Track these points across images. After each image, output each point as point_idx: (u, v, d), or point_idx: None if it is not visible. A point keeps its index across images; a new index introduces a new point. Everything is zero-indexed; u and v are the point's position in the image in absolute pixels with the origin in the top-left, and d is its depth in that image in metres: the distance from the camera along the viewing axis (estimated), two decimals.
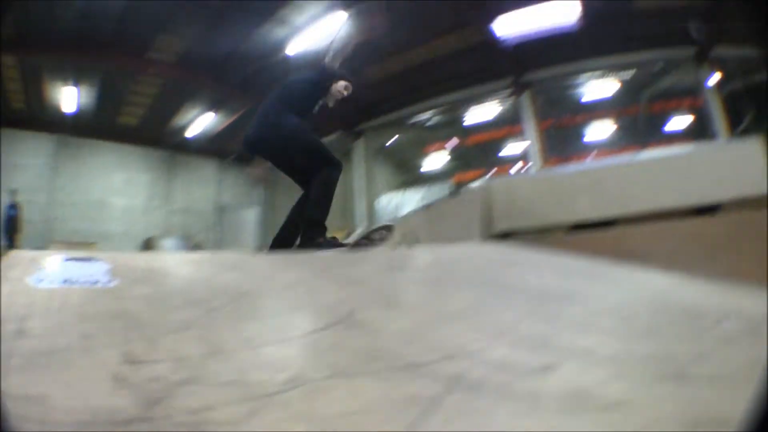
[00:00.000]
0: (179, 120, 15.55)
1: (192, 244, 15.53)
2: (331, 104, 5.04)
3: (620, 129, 23.06)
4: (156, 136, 15.37)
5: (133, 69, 13.03)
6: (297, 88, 4.88)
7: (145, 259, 4.85)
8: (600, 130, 22.86)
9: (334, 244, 4.82)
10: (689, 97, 20.50)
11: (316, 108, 5.00)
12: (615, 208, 3.51)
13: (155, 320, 1.83)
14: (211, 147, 17.34)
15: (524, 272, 2.63)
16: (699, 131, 24.46)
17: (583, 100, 19.25)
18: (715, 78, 16.52)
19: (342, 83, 4.95)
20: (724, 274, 2.66)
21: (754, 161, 3.76)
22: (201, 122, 16.26)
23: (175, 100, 14.44)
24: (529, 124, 15.90)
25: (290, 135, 4.55)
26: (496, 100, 17.09)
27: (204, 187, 17.82)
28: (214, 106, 15.59)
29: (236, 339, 1.63)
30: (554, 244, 3.42)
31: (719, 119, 15.80)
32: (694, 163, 3.88)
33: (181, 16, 11.71)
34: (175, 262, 4.00)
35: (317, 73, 5.22)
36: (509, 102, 16.38)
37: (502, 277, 2.56)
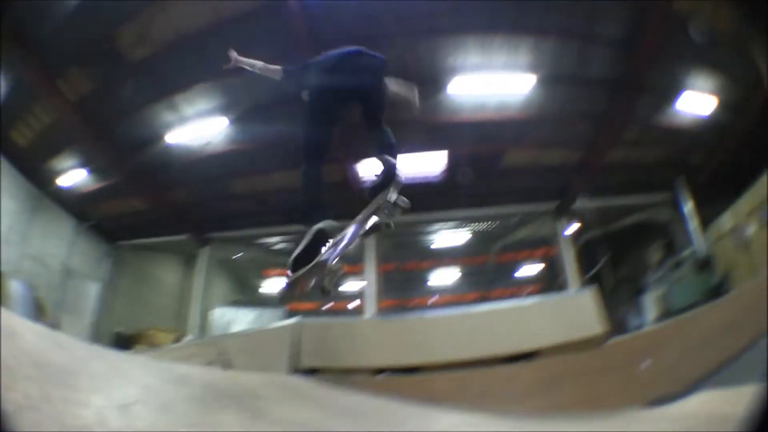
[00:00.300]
0: (58, 163, 14.50)
1: (38, 304, 14.09)
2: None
3: (467, 275, 24.20)
4: (33, 168, 14.07)
5: (40, 87, 11.62)
6: None
7: None
8: (445, 276, 23.84)
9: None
10: (543, 247, 22.38)
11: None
12: (420, 357, 3.90)
13: None
14: (75, 204, 16.20)
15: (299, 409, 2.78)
16: (550, 278, 26.99)
17: (433, 246, 19.97)
18: (573, 228, 18.53)
19: None
20: (541, 411, 3.18)
21: (584, 310, 4.42)
22: (74, 175, 15.31)
23: (60, 140, 13.46)
24: (370, 265, 16.33)
25: None
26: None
27: (58, 242, 16.42)
28: (89, 164, 14.83)
29: None
30: (360, 384, 3.69)
31: (571, 266, 17.38)
32: (518, 314, 4.46)
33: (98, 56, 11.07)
34: None
35: None
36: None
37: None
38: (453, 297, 26.07)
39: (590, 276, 20.80)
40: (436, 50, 11.36)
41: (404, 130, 12.81)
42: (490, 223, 18.24)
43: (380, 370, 4.03)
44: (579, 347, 3.90)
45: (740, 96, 15.56)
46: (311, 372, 4.35)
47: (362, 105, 4.25)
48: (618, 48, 11.91)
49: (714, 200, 22.05)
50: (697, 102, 15.06)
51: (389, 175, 4.12)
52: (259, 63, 4.71)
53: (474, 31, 10.96)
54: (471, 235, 19.83)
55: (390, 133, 4.29)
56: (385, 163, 4.19)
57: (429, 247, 20.27)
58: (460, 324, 4.67)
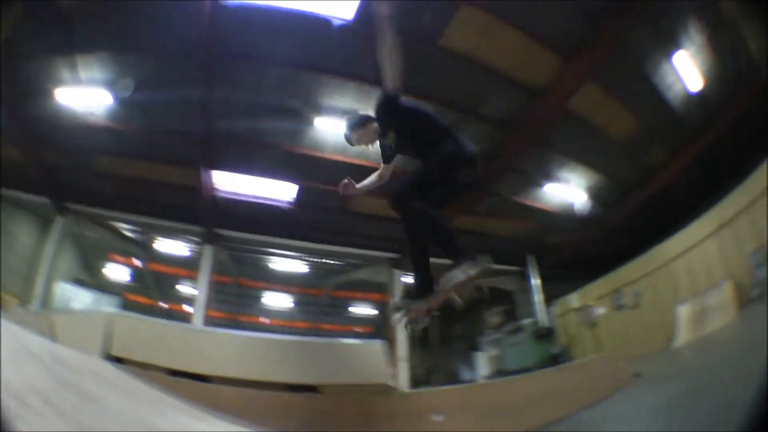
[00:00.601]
0: None
1: None
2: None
3: (302, 304, 24.32)
4: None
5: None
6: None
7: None
8: (279, 300, 23.81)
9: None
10: (379, 292, 22.71)
11: None
12: (210, 368, 4.06)
13: None
14: None
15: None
16: (382, 323, 27.40)
17: (272, 268, 19.80)
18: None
19: None
20: None
21: (372, 358, 4.57)
22: None
23: None
24: (204, 274, 15.91)
25: None
26: (187, 241, 17.05)
27: None
28: None
29: None
30: (157, 380, 3.68)
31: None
32: (311, 349, 4.66)
33: None
34: None
35: None
36: (197, 246, 16.47)
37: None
38: (284, 322, 26.17)
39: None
40: (314, 83, 11.32)
41: (264, 153, 12.56)
42: (329, 259, 18.27)
43: (176, 372, 3.86)
44: (367, 390, 4.18)
45: (607, 195, 17.40)
46: (118, 360, 4.52)
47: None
48: (496, 126, 12.45)
49: (559, 279, 24.27)
50: (564, 190, 16.09)
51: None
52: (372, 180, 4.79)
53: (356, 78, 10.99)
54: (310, 267, 19.89)
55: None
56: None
57: (268, 268, 20.05)
58: (257, 346, 4.91)
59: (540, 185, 15.50)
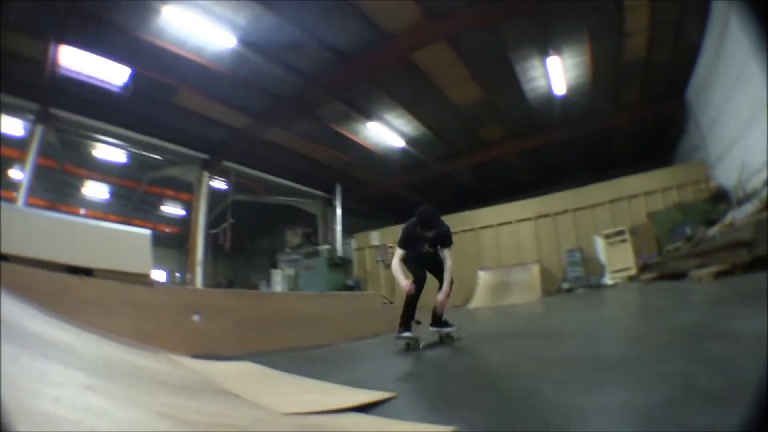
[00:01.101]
0: None
1: None
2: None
3: (118, 196, 23.08)
4: None
5: None
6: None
7: None
8: (98, 190, 22.40)
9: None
10: (187, 192, 22.15)
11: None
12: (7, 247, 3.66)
13: None
14: None
15: None
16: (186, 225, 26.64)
17: (95, 156, 18.53)
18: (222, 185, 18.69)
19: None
20: (95, 326, 3.33)
21: (139, 247, 4.45)
22: None
23: None
24: (32, 156, 14.21)
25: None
26: (18, 118, 14.91)
27: None
28: None
29: None
30: None
31: (201, 217, 17.27)
32: (87, 232, 4.45)
33: None
34: None
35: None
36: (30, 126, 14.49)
37: None
38: (99, 214, 23.99)
39: (214, 233, 21.34)
40: None
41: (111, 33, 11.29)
42: (148, 152, 17.16)
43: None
44: (130, 278, 4.15)
45: (431, 150, 18.58)
46: None
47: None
48: (337, 54, 12.30)
49: (363, 215, 25.29)
50: (387, 132, 16.52)
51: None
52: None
53: None
54: (129, 158, 18.60)
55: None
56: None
57: (91, 155, 18.53)
58: (46, 226, 4.36)
59: (363, 121, 15.79)
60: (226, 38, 11.24)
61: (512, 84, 14.35)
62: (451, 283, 5.47)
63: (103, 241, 4.52)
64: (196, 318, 4.27)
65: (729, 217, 9.57)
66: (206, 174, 17.62)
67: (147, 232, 5.01)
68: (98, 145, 17.06)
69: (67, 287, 3.75)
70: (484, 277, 15.61)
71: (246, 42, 11.44)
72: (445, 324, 5.46)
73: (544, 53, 12.84)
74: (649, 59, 13.74)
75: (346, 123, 15.95)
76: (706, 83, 13.04)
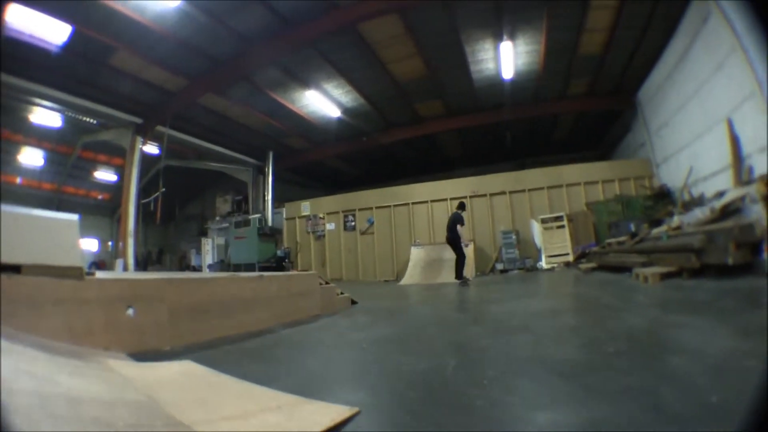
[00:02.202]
0: None
1: None
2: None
3: (51, 163, 21.92)
4: None
5: None
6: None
7: None
8: (33, 157, 21.22)
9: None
10: (119, 157, 21.00)
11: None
12: None
13: None
14: None
15: None
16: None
17: (32, 120, 17.53)
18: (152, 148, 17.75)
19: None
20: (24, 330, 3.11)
21: (68, 237, 3.92)
22: None
23: None
24: None
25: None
26: None
27: None
28: None
29: None
30: None
31: (131, 184, 16.46)
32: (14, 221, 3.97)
33: None
34: None
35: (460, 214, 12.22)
36: None
37: None
38: (33, 182, 23.47)
39: (145, 202, 20.46)
40: None
41: None
42: (83, 115, 16.11)
43: None
44: (59, 273, 3.71)
45: (366, 122, 18.28)
46: None
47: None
48: (278, 18, 11.80)
49: (295, 184, 24.89)
50: (323, 101, 16.10)
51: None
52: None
53: None
54: (65, 122, 17.58)
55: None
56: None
57: (27, 120, 17.40)
58: None
59: (301, 89, 15.32)
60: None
61: (459, 64, 14.14)
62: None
63: (30, 232, 4.13)
64: (130, 312, 3.93)
65: (676, 220, 9.75)
66: (139, 139, 16.63)
67: (75, 218, 4.51)
68: (35, 109, 16.12)
69: None
70: (416, 253, 15.59)
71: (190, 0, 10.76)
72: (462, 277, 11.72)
73: (497, 38, 12.69)
74: (604, 57, 13.95)
75: (282, 90, 15.37)
76: (661, 89, 13.73)
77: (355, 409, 2.23)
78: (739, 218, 6.85)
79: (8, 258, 3.49)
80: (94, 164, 23.40)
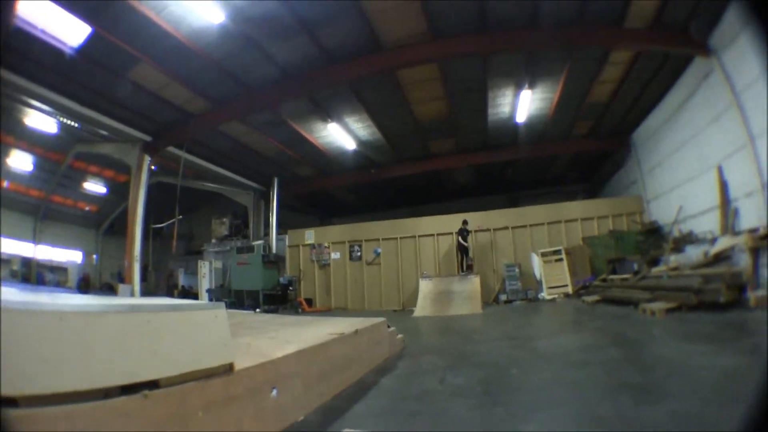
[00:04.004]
0: None
1: None
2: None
3: (41, 169, 21.38)
4: None
5: None
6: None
7: None
8: (22, 161, 20.60)
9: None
10: (119, 172, 21.13)
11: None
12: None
13: None
14: None
15: None
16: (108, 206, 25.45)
17: (26, 123, 16.85)
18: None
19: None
20: None
21: (215, 329, 3.48)
22: None
23: None
24: None
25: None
26: None
27: None
28: None
29: None
30: None
31: (136, 201, 16.06)
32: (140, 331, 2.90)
33: None
34: None
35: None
36: None
37: None
38: (21, 188, 22.80)
39: (158, 227, 20.16)
40: None
41: None
42: (88, 125, 15.51)
43: None
44: (206, 374, 3.32)
45: (380, 154, 18.86)
46: None
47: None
48: (324, 53, 11.98)
49: (299, 211, 25.06)
50: (341, 134, 16.48)
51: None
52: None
53: None
54: (60, 129, 17.09)
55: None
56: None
57: (21, 122, 16.77)
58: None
59: (324, 121, 15.62)
60: (214, 12, 10.10)
61: (479, 107, 14.96)
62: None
63: (171, 334, 3.32)
64: (274, 394, 3.95)
65: (673, 261, 10.83)
66: (147, 157, 16.27)
67: (222, 308, 3.76)
68: (32, 112, 15.45)
69: (122, 413, 2.66)
70: (425, 285, 15.90)
71: (234, 21, 10.43)
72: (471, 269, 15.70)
73: (519, 86, 13.53)
74: (609, 104, 15.06)
75: (304, 121, 15.61)
76: (656, 132, 14.87)
77: None
78: (729, 265, 8.21)
79: (146, 373, 2.85)
80: (84, 175, 22.89)
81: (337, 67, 12.09)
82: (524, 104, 14.40)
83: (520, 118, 15.34)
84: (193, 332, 3.47)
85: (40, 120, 16.29)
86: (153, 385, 2.85)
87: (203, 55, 11.66)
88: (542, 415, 3.48)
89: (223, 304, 3.62)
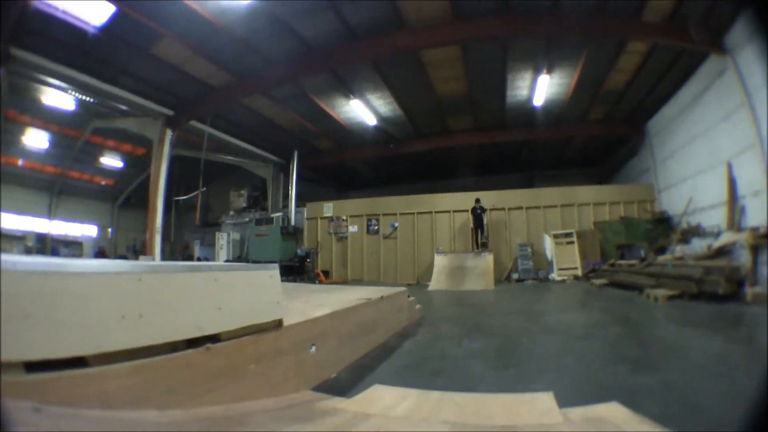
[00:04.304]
0: None
1: None
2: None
3: (57, 146, 21.57)
4: None
5: None
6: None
7: None
8: (39, 139, 20.77)
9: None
10: (139, 145, 21.33)
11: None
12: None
13: None
14: None
15: None
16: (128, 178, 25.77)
17: (42, 101, 16.95)
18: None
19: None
20: (228, 401, 2.96)
21: (270, 288, 3.95)
22: None
23: None
24: None
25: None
26: None
27: None
28: None
29: None
30: None
31: (158, 176, 16.31)
32: (205, 290, 3.39)
33: None
34: None
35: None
36: None
37: None
38: (37, 165, 23.05)
39: (181, 200, 20.45)
40: None
41: None
42: (108, 101, 15.73)
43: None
44: (259, 329, 3.68)
45: (399, 129, 19.13)
46: None
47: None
48: (345, 28, 12.14)
49: (317, 184, 25.35)
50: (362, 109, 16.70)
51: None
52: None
53: None
54: (78, 105, 17.12)
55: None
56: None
57: (38, 100, 16.80)
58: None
59: (346, 97, 15.86)
60: None
61: (498, 89, 15.22)
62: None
63: (230, 293, 3.64)
64: (312, 350, 4.27)
65: (679, 251, 11.46)
66: (169, 131, 16.52)
67: (276, 269, 4.20)
68: (49, 90, 15.58)
69: (185, 365, 2.93)
70: (440, 260, 16.44)
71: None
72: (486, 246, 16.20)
73: (538, 71, 13.79)
74: (624, 92, 15.27)
75: (327, 96, 15.89)
76: (671, 124, 15.10)
77: None
78: (730, 259, 8.78)
79: (209, 327, 3.15)
80: (102, 149, 23.12)
81: (361, 44, 12.32)
82: (542, 88, 14.63)
83: (538, 101, 15.59)
84: (252, 290, 3.88)
85: (57, 98, 16.31)
86: (214, 339, 3.15)
87: (228, 31, 11.87)
88: (550, 376, 3.96)
89: (276, 266, 4.08)
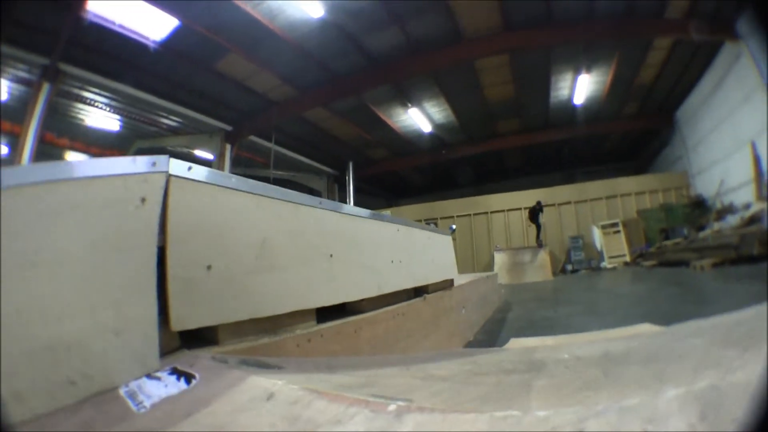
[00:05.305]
0: None
1: None
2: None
3: None
4: None
5: None
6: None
7: None
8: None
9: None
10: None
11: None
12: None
13: None
14: None
15: None
16: None
17: (84, 123, 15.63)
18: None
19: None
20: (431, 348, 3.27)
21: (448, 250, 4.84)
22: None
23: None
24: (34, 123, 11.15)
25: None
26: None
27: None
28: None
29: None
30: None
31: None
32: (413, 244, 3.98)
33: None
34: None
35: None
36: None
37: None
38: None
39: None
40: None
41: None
42: (162, 118, 15.52)
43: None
44: (441, 286, 4.17)
45: (450, 135, 20.06)
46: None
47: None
48: (409, 44, 12.93)
49: (371, 194, 25.94)
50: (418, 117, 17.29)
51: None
52: None
53: None
54: (122, 125, 16.21)
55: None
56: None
57: (80, 123, 15.71)
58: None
59: (405, 107, 16.40)
60: (313, 7, 10.46)
61: (543, 90, 16.22)
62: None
63: (434, 249, 4.13)
64: (463, 312, 4.66)
65: (716, 226, 12.60)
66: (228, 146, 16.34)
67: (449, 234, 5.01)
68: (92, 110, 14.59)
69: (414, 312, 3.19)
70: (499, 257, 17.44)
71: (332, 14, 10.85)
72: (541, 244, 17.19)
73: (577, 71, 14.76)
74: (653, 85, 16.27)
75: (387, 106, 16.41)
76: (697, 111, 15.90)
77: None
78: (761, 225, 10.11)
79: (424, 279, 3.55)
80: None
81: (421, 57, 13.08)
82: (582, 87, 15.62)
83: (578, 99, 16.54)
84: (443, 249, 4.51)
85: (101, 118, 15.36)
86: (426, 290, 3.63)
87: (296, 46, 11.99)
88: (626, 319, 4.92)
89: (449, 230, 4.76)
